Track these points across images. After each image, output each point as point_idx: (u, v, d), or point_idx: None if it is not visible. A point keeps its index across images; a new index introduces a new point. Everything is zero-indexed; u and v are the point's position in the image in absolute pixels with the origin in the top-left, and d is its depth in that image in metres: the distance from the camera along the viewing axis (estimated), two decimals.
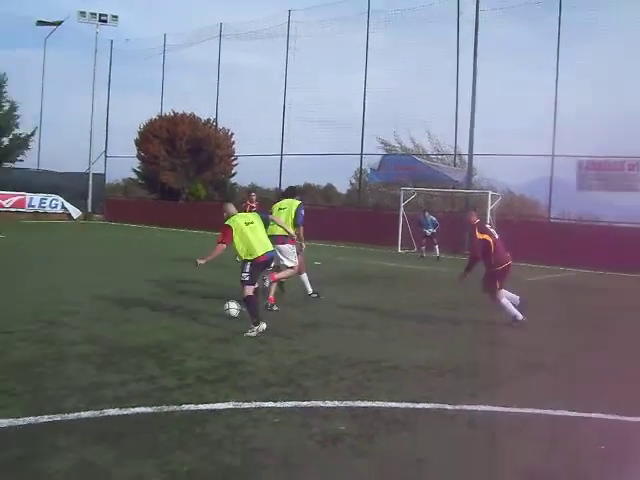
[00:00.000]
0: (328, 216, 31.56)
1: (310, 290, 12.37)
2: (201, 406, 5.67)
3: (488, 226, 11.52)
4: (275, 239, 10.64)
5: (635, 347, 9.74)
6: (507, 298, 10.47)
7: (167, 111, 44.47)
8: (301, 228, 11.71)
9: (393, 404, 6.09)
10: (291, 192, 12.62)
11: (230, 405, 5.80)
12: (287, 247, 11.27)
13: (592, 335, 10.53)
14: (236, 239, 9.31)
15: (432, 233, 26.15)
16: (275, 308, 10.78)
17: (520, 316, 10.30)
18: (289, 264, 11.32)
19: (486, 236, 10.55)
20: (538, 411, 6.16)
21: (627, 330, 11.27)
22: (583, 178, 28.27)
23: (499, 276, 10.44)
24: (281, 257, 11.24)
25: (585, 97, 30.23)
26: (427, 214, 26.76)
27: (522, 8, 29.65)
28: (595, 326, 11.48)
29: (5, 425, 5.06)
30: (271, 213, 11.44)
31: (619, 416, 6.12)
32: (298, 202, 11.98)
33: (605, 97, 29.62)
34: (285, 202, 12.07)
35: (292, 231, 11.12)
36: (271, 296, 10.93)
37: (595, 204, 32.33)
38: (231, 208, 9.97)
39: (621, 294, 17.13)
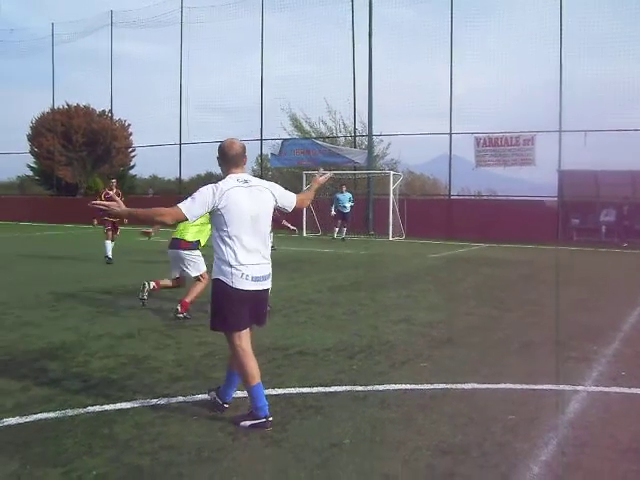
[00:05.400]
0: None
1: None
2: (107, 407, 5.49)
3: None
4: None
5: (540, 316, 10.03)
6: None
7: (61, 104, 43.04)
8: None
9: (304, 390, 6.06)
10: None
11: (137, 403, 5.64)
12: None
13: (497, 306, 10.77)
14: None
15: (346, 212, 26.21)
16: None
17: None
18: None
19: None
20: (448, 386, 6.26)
21: (530, 299, 11.59)
22: (480, 155, 28.98)
23: None
24: None
25: (482, 75, 31.06)
26: (344, 189, 26.81)
27: None
28: (499, 297, 11.76)
29: None
30: None
31: (527, 385, 6.29)
32: None
33: (501, 75, 30.48)
34: None
35: None
36: None
37: (493, 179, 33.28)
38: None
39: (521, 265, 17.62)
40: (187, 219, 5.10)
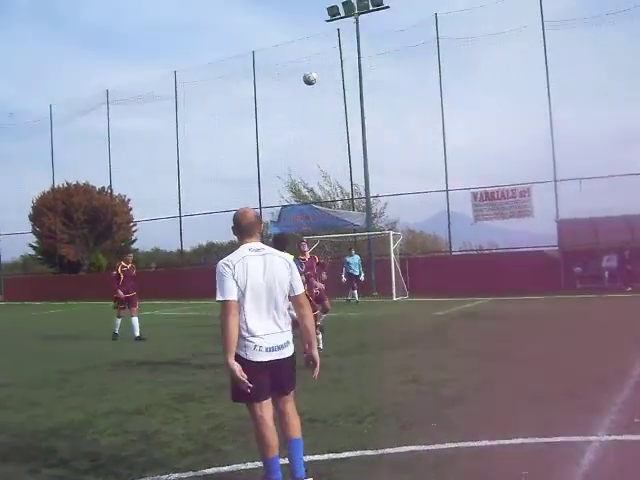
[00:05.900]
0: None
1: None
2: None
3: None
4: None
5: (548, 366, 9.98)
6: None
7: (61, 182, 43.59)
8: None
9: (315, 457, 5.99)
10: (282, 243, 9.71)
11: None
12: None
13: (504, 360, 10.71)
14: None
15: (357, 275, 26.31)
16: None
17: None
18: None
19: None
20: (460, 444, 6.19)
21: (537, 351, 11.53)
22: (478, 209, 29.17)
23: None
24: None
25: (474, 130, 31.47)
26: (354, 252, 26.93)
27: (403, 51, 30.89)
28: (506, 351, 11.69)
29: None
30: None
31: (539, 438, 6.22)
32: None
33: (493, 128, 30.91)
34: None
35: None
36: None
37: (493, 232, 33.42)
38: None
39: (526, 317, 17.57)
40: (235, 300, 4.87)
